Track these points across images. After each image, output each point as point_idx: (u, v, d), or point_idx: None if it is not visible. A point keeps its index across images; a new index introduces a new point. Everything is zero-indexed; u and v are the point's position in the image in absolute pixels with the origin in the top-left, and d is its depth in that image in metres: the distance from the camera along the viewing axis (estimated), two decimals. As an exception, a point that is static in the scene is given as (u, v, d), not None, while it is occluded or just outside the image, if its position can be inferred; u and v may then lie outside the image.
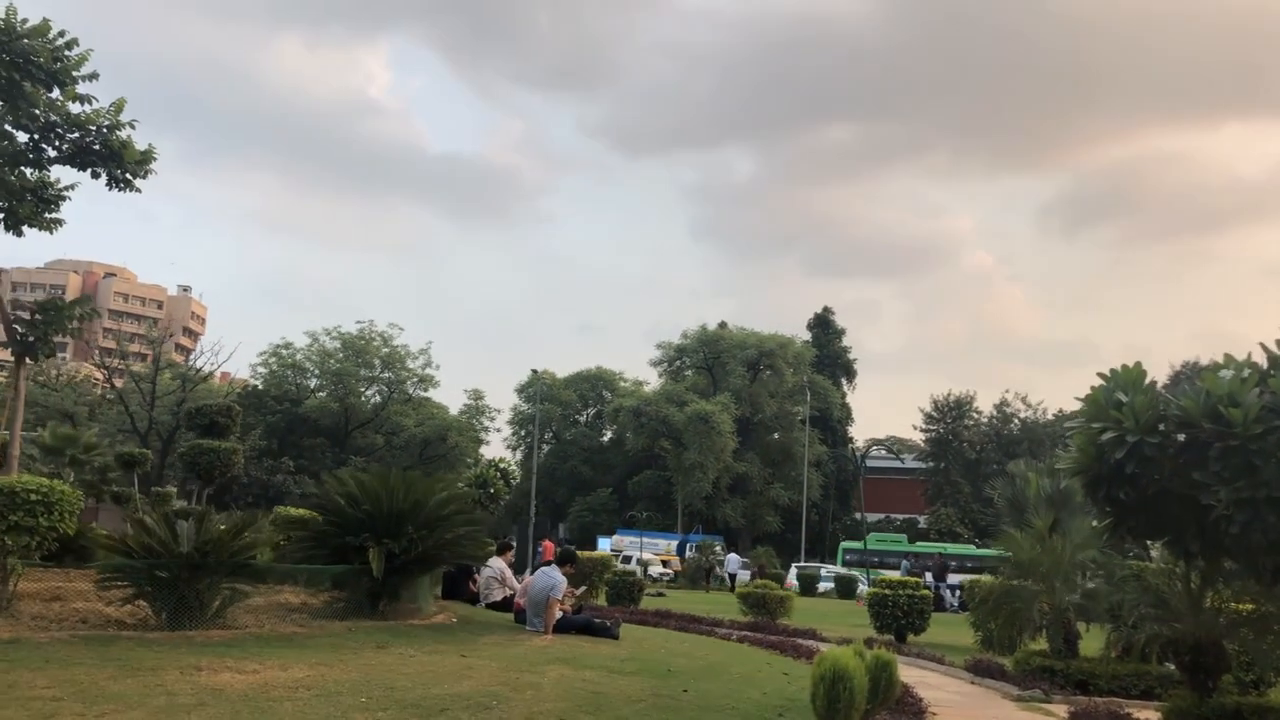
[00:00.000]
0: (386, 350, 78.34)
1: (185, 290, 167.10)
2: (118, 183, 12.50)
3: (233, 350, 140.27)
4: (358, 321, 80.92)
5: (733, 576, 45.62)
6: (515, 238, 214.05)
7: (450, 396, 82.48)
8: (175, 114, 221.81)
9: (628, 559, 45.94)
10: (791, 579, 44.76)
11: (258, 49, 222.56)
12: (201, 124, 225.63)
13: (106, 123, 11.97)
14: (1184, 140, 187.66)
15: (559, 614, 11.30)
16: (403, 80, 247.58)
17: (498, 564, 13.83)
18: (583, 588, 15.01)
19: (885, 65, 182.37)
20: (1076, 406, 8.38)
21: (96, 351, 75.50)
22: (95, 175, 12.26)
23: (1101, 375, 8.21)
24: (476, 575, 14.39)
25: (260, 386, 77.70)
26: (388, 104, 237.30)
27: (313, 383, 78.78)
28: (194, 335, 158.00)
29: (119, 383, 71.53)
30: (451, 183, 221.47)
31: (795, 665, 12.14)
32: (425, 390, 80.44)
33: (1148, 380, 7.81)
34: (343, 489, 10.41)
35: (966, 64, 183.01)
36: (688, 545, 63.27)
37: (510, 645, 9.54)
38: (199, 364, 79.13)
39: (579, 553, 29.72)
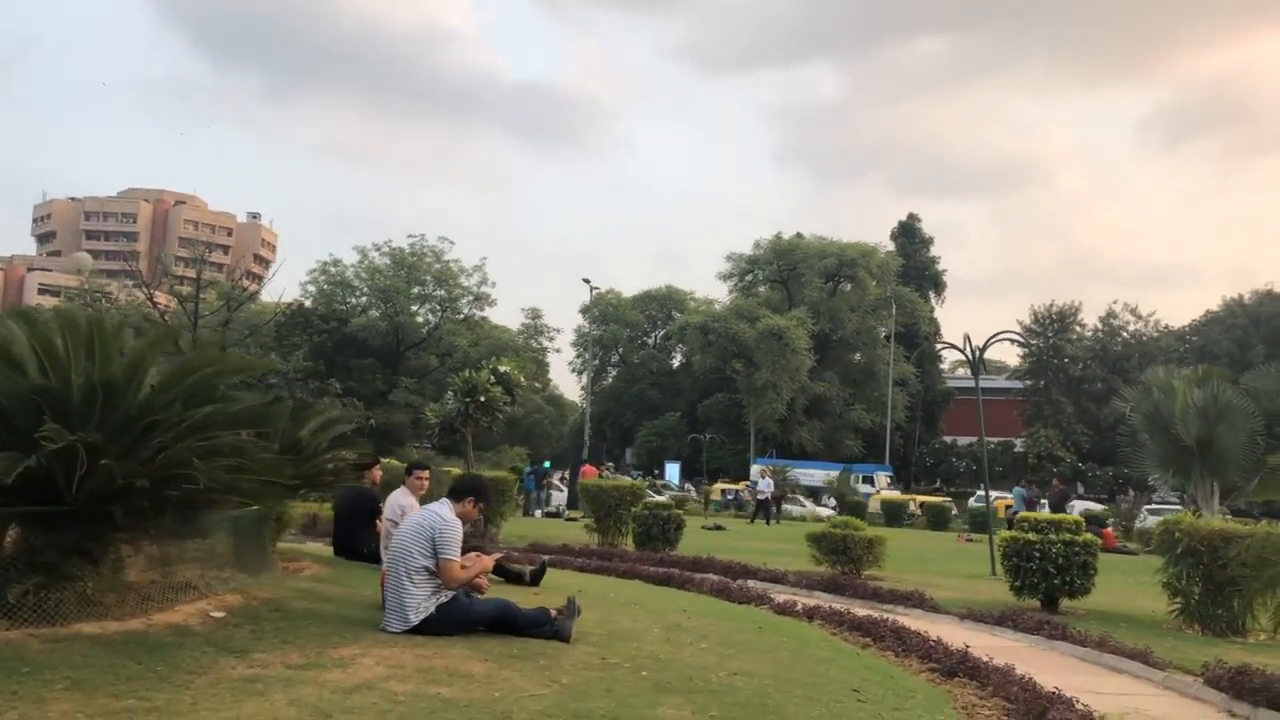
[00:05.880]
0: (438, 266, 73.60)
1: (255, 217, 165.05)
2: None
3: (277, 268, 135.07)
4: (409, 236, 75.97)
5: (763, 502, 37.23)
6: (593, 164, 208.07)
7: (517, 320, 77.33)
8: (251, 46, 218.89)
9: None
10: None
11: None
12: (278, 55, 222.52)
13: None
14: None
15: (451, 595, 5.90)
16: (479, 4, 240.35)
17: (400, 500, 8.47)
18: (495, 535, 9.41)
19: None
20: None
21: (163, 275, 72.28)
22: None
23: None
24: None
25: (308, 305, 73.84)
26: (464, 29, 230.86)
27: (362, 301, 74.64)
28: (264, 262, 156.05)
29: (162, 300, 68.25)
30: (529, 110, 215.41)
31: (911, 682, 6.67)
32: (482, 309, 75.75)
33: None
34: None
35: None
36: (852, 475, 57.52)
37: (298, 683, 4.26)
38: (246, 284, 75.58)
39: (633, 482, 23.68)
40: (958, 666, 7.25)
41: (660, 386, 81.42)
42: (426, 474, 8.78)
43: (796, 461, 59.50)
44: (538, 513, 32.58)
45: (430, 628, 5.80)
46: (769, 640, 7.62)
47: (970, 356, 17.16)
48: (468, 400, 16.78)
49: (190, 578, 5.85)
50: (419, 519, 6.11)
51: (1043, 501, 31.83)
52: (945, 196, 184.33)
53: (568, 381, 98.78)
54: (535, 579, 8.74)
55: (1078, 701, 6.08)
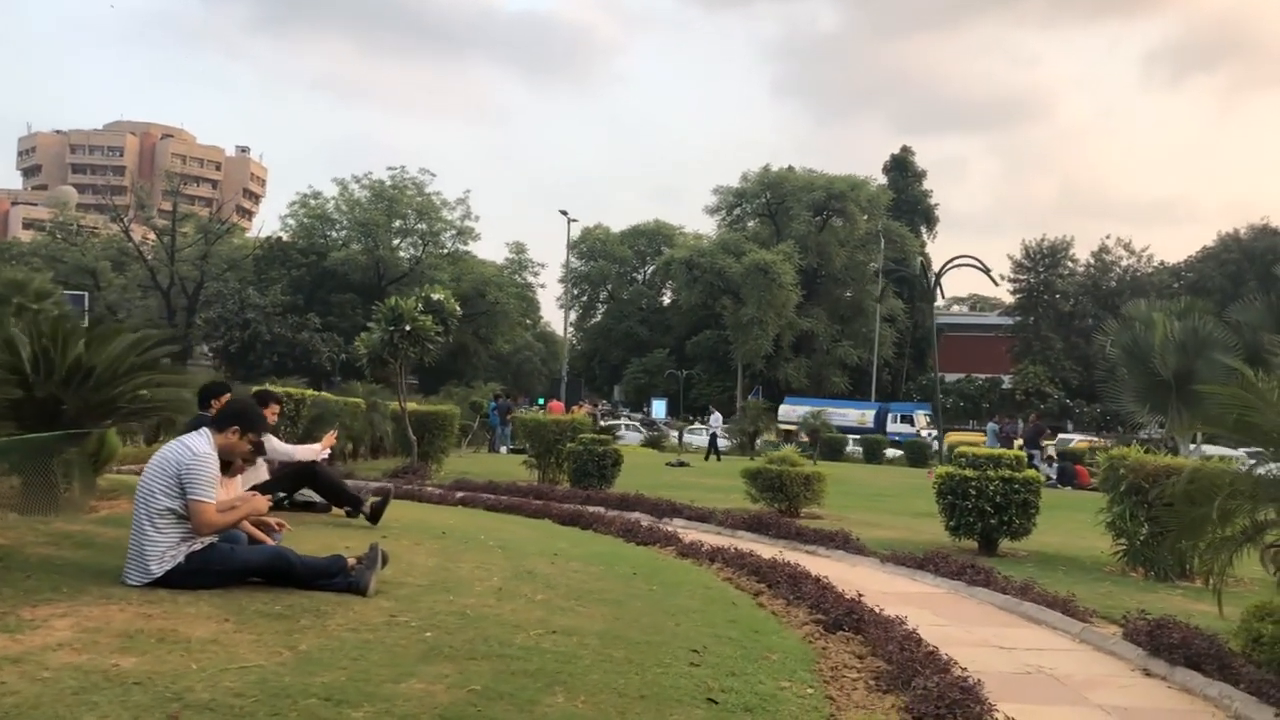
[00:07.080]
0: (420, 199, 72.02)
1: (244, 151, 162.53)
2: None
3: (257, 200, 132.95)
4: (389, 169, 74.24)
5: (712, 437, 35.71)
6: (590, 99, 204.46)
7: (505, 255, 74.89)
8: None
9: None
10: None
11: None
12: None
13: None
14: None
15: (207, 542, 4.98)
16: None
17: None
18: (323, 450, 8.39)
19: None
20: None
21: (155, 211, 70.62)
22: None
23: None
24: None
25: (286, 238, 72.41)
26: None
27: (342, 234, 73.15)
28: (255, 197, 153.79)
29: (139, 235, 66.91)
30: (525, 43, 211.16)
31: (777, 639, 5.80)
32: (465, 244, 74.25)
33: None
34: None
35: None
36: (889, 414, 56.22)
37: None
38: (236, 219, 74.13)
39: (578, 415, 22.48)
40: (844, 619, 6.40)
41: (649, 323, 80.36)
42: (224, 396, 7.70)
43: (831, 401, 57.95)
44: (503, 449, 31.80)
45: (180, 580, 4.88)
46: (633, 589, 6.75)
47: (927, 284, 16.16)
48: (392, 329, 15.79)
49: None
50: (164, 452, 5.16)
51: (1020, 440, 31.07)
52: (945, 132, 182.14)
53: (560, 319, 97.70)
54: (374, 515, 7.79)
55: (955, 664, 5.21)
